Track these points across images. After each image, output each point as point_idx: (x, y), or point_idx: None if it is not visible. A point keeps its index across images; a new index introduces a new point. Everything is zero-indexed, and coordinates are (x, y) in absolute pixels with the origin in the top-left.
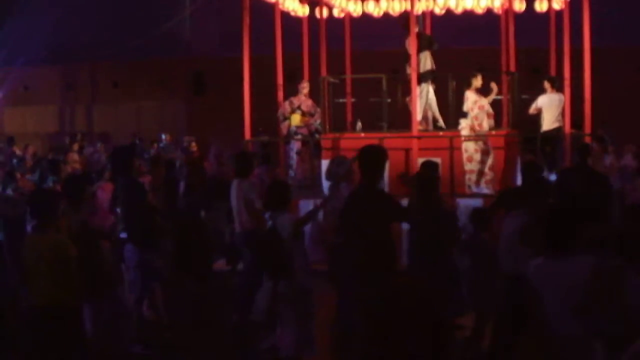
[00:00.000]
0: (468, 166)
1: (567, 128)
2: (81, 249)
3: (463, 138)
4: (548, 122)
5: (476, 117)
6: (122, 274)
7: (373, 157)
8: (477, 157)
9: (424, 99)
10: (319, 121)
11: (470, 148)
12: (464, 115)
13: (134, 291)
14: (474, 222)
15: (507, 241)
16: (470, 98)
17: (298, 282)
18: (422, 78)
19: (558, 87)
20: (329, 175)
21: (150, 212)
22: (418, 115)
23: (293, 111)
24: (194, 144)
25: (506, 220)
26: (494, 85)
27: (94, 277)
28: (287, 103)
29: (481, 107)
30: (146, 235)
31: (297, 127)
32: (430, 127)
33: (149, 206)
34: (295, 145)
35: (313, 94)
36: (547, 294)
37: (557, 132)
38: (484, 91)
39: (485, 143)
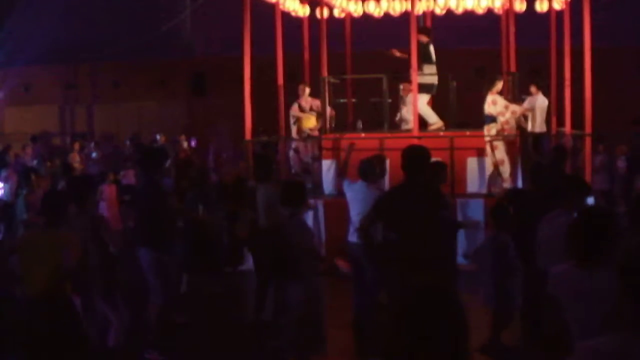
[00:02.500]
0: (500, 169)
1: (568, 128)
2: (86, 246)
3: (488, 139)
4: (537, 124)
5: (507, 122)
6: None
7: (417, 155)
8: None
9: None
10: None
11: (501, 150)
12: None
13: (154, 294)
14: (495, 219)
15: (548, 242)
16: (500, 102)
17: (308, 284)
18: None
19: (543, 90)
20: (365, 175)
21: (171, 214)
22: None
23: (303, 110)
24: (183, 138)
25: (545, 220)
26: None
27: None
28: (295, 106)
29: (514, 113)
30: (163, 237)
31: (311, 129)
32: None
33: (171, 208)
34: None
35: (314, 95)
36: (573, 303)
37: (542, 135)
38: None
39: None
